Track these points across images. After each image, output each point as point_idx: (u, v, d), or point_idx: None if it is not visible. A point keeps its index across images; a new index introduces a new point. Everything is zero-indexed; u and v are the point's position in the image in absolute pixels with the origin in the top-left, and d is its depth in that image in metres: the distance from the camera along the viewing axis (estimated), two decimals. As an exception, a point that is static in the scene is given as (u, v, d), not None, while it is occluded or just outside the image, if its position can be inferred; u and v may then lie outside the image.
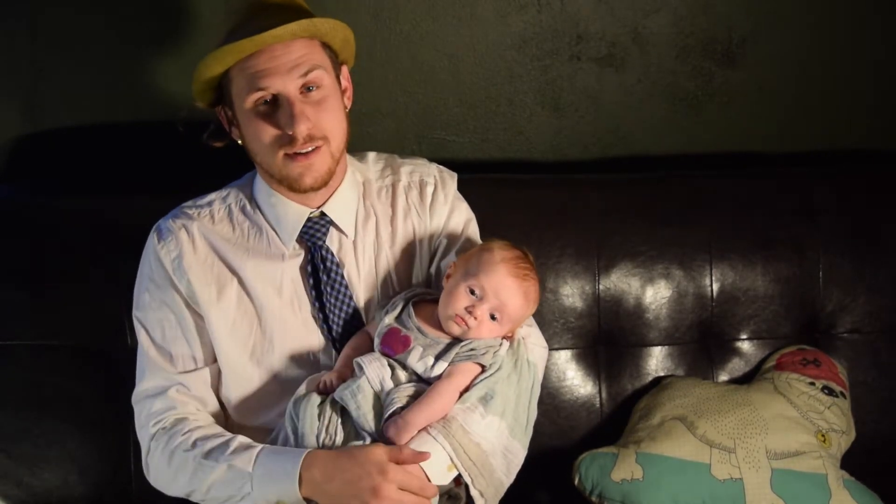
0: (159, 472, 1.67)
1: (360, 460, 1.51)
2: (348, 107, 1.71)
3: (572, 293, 2.01)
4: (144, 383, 1.70)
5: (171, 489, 1.67)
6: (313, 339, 1.70)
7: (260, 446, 1.59)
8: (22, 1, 2.07)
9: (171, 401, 1.67)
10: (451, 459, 1.54)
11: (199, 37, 2.09)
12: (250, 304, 1.70)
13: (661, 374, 2.03)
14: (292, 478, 1.52)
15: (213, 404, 1.72)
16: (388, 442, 1.54)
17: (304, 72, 1.59)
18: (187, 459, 1.61)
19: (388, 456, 1.51)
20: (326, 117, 1.62)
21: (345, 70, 1.73)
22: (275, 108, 1.60)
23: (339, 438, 1.57)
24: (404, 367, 1.61)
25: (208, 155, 1.84)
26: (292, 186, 1.66)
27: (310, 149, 1.61)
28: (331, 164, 1.66)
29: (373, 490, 1.49)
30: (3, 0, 2.07)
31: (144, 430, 1.69)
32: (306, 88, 1.61)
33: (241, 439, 1.62)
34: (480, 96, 2.24)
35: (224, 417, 1.73)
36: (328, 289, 1.70)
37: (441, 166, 1.85)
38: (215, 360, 1.71)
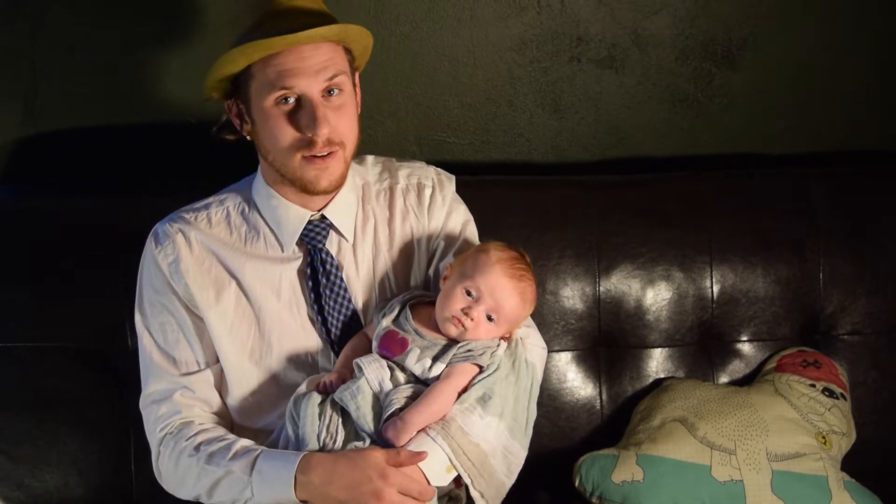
0: (168, 476, 1.68)
1: (359, 464, 1.51)
2: (358, 112, 1.70)
3: (573, 295, 2.01)
4: (150, 388, 1.71)
5: (181, 492, 1.67)
6: (311, 341, 1.70)
7: (259, 450, 1.59)
8: (23, 2, 2.07)
9: (176, 405, 1.68)
10: (450, 460, 1.54)
11: (199, 38, 2.09)
12: (248, 307, 1.69)
13: (662, 375, 2.03)
14: (287, 482, 1.52)
15: (219, 404, 1.72)
16: (387, 443, 1.54)
17: (329, 75, 1.59)
18: (192, 464, 1.62)
19: (387, 459, 1.51)
20: (345, 123, 1.62)
21: (356, 76, 1.73)
22: (295, 109, 1.60)
23: (340, 438, 1.57)
24: (403, 368, 1.61)
25: (208, 156, 1.84)
26: (306, 188, 1.65)
27: (326, 153, 1.61)
28: (343, 170, 1.66)
29: (374, 494, 1.49)
30: (5, 1, 2.07)
31: (153, 435, 1.69)
32: (328, 92, 1.60)
33: (243, 443, 1.62)
34: (480, 98, 2.23)
35: (230, 418, 1.73)
36: (327, 291, 1.70)
37: (439, 169, 1.85)
38: (218, 361, 1.71)
